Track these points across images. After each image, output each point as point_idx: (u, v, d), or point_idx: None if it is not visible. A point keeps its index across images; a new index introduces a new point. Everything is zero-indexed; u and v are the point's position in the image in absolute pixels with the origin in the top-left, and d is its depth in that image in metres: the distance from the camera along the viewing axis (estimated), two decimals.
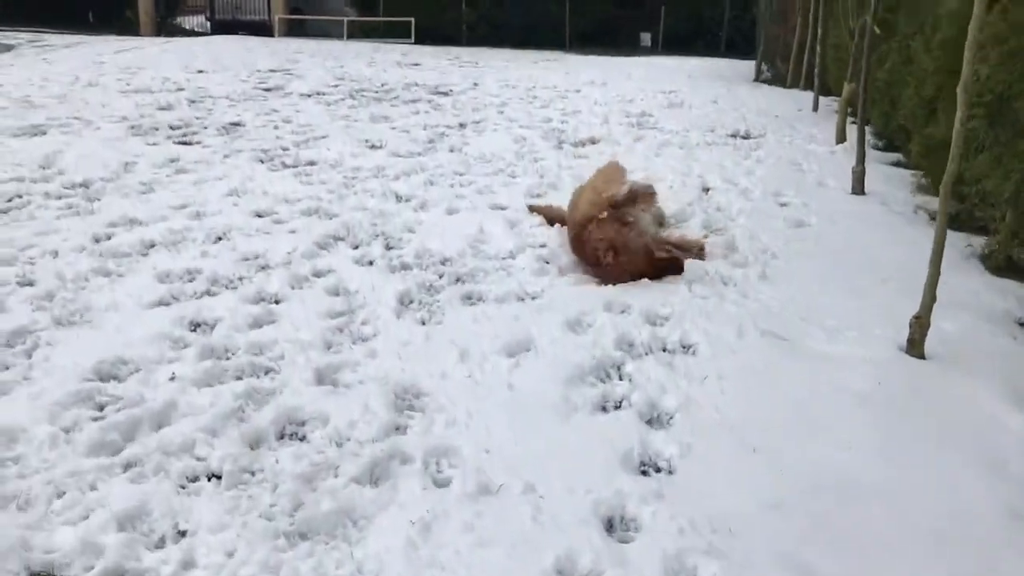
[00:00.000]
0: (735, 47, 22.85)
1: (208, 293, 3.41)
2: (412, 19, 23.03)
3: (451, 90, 10.29)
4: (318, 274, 3.67)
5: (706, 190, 5.54)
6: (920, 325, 2.95)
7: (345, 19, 23.30)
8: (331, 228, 4.29)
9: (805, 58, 12.47)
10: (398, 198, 5.03)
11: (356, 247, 4.10)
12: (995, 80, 3.77)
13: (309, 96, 9.06)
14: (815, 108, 9.85)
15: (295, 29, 22.84)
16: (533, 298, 3.50)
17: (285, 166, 5.73)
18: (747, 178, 5.87)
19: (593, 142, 7.17)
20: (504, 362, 2.83)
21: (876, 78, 6.92)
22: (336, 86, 10.03)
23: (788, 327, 3.20)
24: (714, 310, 3.35)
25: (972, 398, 2.64)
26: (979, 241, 4.45)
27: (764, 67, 15.10)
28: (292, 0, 23.29)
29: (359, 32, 23.34)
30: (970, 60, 2.80)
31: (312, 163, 5.82)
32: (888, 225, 4.76)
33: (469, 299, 3.48)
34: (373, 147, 6.47)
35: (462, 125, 7.72)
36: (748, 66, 17.12)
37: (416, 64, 13.91)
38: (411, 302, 3.43)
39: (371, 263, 3.86)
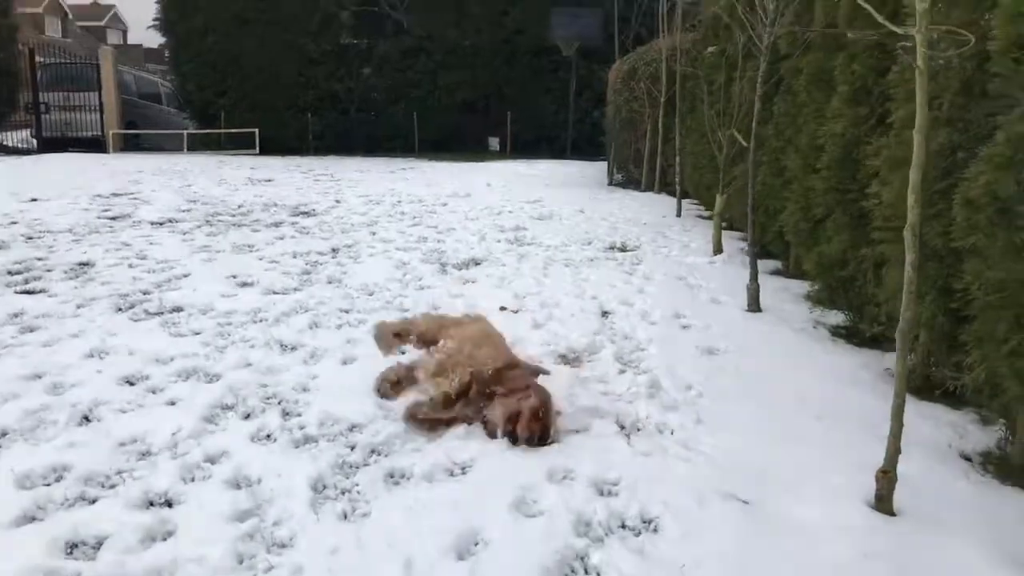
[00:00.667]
0: (579, 149, 23.68)
1: (83, 498, 2.85)
2: (256, 130, 22.58)
3: (314, 209, 9.91)
4: (211, 459, 3.17)
5: (605, 314, 5.38)
6: (888, 480, 2.78)
7: (185, 132, 22.58)
8: (216, 395, 3.79)
9: (658, 163, 12.89)
10: (283, 347, 4.58)
11: (248, 416, 3.61)
12: (901, 206, 3.78)
13: (161, 224, 8.44)
14: (678, 214, 10.08)
15: (130, 144, 21.86)
16: (464, 470, 3.13)
17: (149, 314, 5.16)
18: (641, 298, 5.77)
19: (476, 263, 6.94)
20: (457, 568, 2.44)
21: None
22: (188, 211, 9.43)
23: (745, 486, 2.97)
24: (663, 471, 3.09)
25: (965, 567, 2.46)
26: (890, 357, 4.44)
27: (615, 172, 15.52)
28: (127, 114, 22.36)
29: (200, 145, 22.63)
30: (914, 205, 2.71)
31: (179, 309, 5.27)
32: (795, 347, 4.70)
33: (392, 478, 3.08)
34: (244, 284, 5.98)
35: (335, 251, 7.33)
36: (597, 168, 17.65)
37: (269, 180, 13.44)
38: (326, 488, 2.99)
39: (269, 437, 3.40)
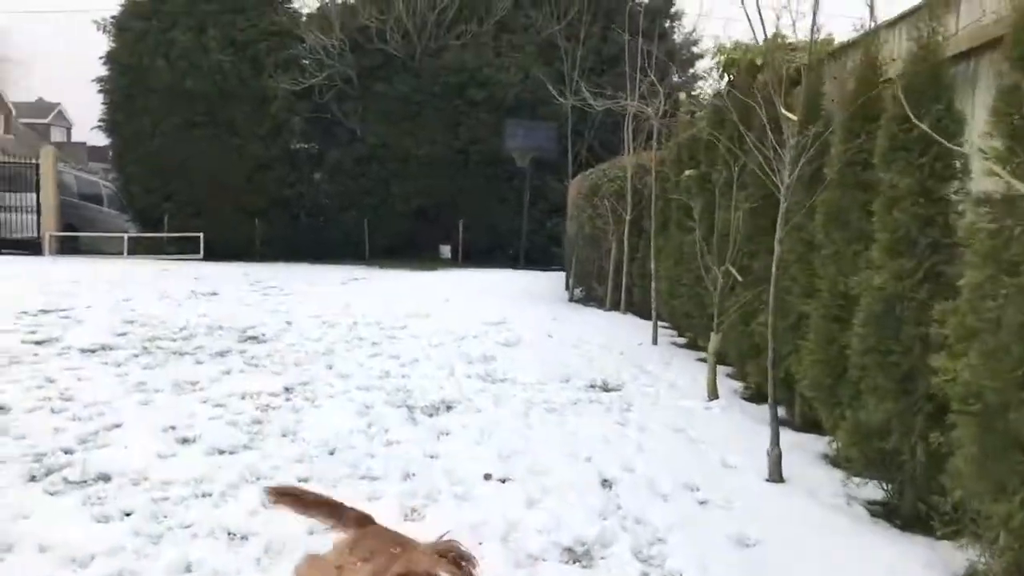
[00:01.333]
0: (532, 259, 23.42)
1: None
2: (200, 234, 21.85)
3: (263, 334, 9.09)
4: None
5: (606, 483, 4.68)
6: None
7: (126, 236, 21.72)
8: None
9: (623, 281, 12.45)
10: (231, 537, 3.77)
11: None
12: (983, 385, 3.21)
13: (93, 352, 7.56)
14: (654, 341, 9.54)
15: (68, 247, 20.86)
16: None
17: (69, 484, 4.31)
18: (642, 459, 5.09)
19: (448, 407, 6.21)
20: None
21: (745, 328, 6.54)
22: (124, 334, 8.55)
23: None
24: None
25: None
26: (944, 549, 3.81)
27: (576, 287, 15.08)
28: (66, 216, 21.40)
29: (142, 248, 21.76)
30: None
31: (106, 477, 4.43)
32: (837, 535, 4.02)
33: None
34: (184, 440, 5.14)
35: (288, 390, 6.53)
36: (553, 280, 17.29)
37: (214, 293, 12.61)
38: None
39: None
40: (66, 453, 4.78)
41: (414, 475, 4.67)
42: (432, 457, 5.01)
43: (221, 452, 4.97)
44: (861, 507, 4.41)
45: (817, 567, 3.64)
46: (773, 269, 4.83)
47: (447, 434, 5.54)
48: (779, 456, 4.76)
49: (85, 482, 4.37)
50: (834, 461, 5.07)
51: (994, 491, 3.32)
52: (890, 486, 4.37)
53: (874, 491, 4.51)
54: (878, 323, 4.17)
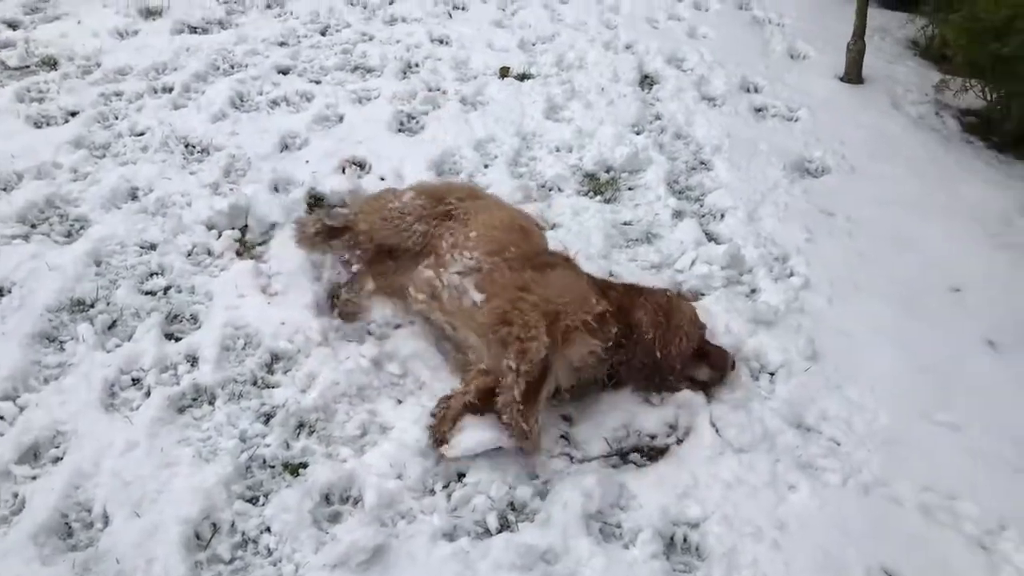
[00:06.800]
0: None
1: None
2: None
3: None
4: None
5: (646, 81, 3.90)
6: None
7: None
8: None
9: None
10: (189, 150, 3.18)
11: None
12: None
13: None
14: None
15: None
16: None
17: (7, 72, 3.64)
18: (693, 48, 4.21)
19: None
20: None
21: None
22: None
23: None
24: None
25: None
26: None
27: None
28: None
29: None
30: None
31: (51, 63, 3.74)
32: (922, 161, 3.30)
33: None
34: (150, 12, 4.32)
35: None
36: None
37: None
38: None
39: None
40: (9, 28, 4.06)
41: (416, 68, 3.90)
42: (440, 42, 4.19)
43: (192, 30, 4.19)
44: (953, 122, 3.63)
45: (888, 210, 2.96)
46: None
47: (463, 8, 4.62)
48: (861, 52, 3.84)
49: (26, 67, 3.71)
50: (927, 54, 4.17)
51: None
52: (994, 96, 3.53)
53: (972, 100, 3.68)
54: None
